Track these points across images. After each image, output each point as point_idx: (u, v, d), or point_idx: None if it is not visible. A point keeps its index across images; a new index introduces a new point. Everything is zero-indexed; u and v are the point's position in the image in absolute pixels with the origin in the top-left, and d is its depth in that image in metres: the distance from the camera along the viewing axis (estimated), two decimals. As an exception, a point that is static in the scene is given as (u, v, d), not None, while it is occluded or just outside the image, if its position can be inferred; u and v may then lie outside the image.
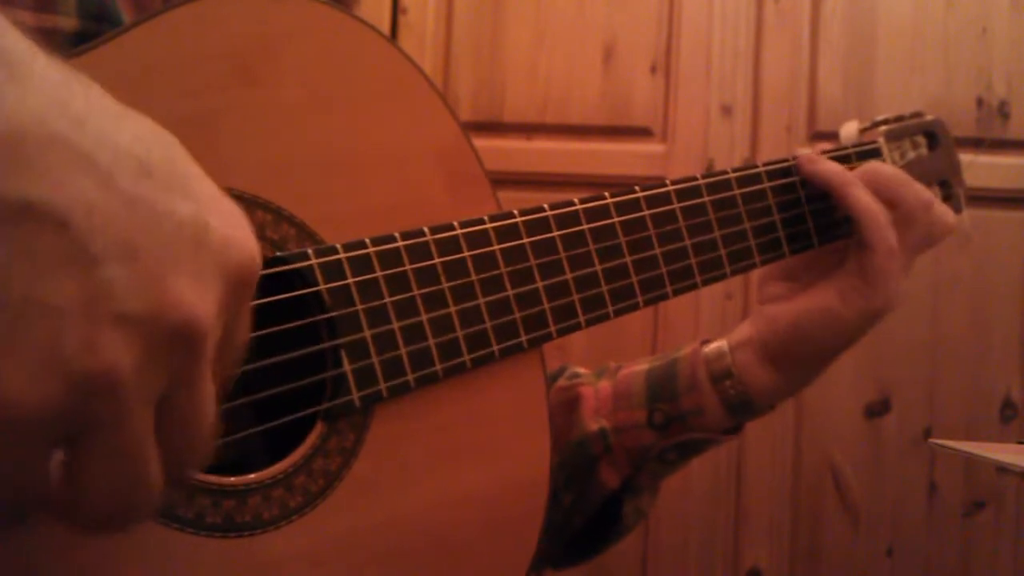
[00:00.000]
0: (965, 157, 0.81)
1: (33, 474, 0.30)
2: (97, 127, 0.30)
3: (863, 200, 0.68)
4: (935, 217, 0.71)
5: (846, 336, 0.70)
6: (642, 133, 1.69)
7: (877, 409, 1.62)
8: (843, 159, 0.73)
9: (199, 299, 0.32)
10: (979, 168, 1.55)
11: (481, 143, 0.58)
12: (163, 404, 0.32)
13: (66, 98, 0.30)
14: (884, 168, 0.71)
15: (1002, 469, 1.46)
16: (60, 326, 0.29)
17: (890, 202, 0.69)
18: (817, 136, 1.64)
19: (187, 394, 0.33)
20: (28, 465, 0.30)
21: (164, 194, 0.31)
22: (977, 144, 1.56)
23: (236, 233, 0.34)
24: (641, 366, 0.77)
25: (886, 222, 0.67)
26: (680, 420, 0.73)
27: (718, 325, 1.60)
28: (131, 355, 0.30)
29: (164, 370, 0.31)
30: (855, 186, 0.68)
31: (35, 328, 0.28)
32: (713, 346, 0.74)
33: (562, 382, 0.79)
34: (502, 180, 0.59)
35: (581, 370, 0.81)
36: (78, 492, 0.32)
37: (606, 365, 0.80)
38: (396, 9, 1.75)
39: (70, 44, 0.50)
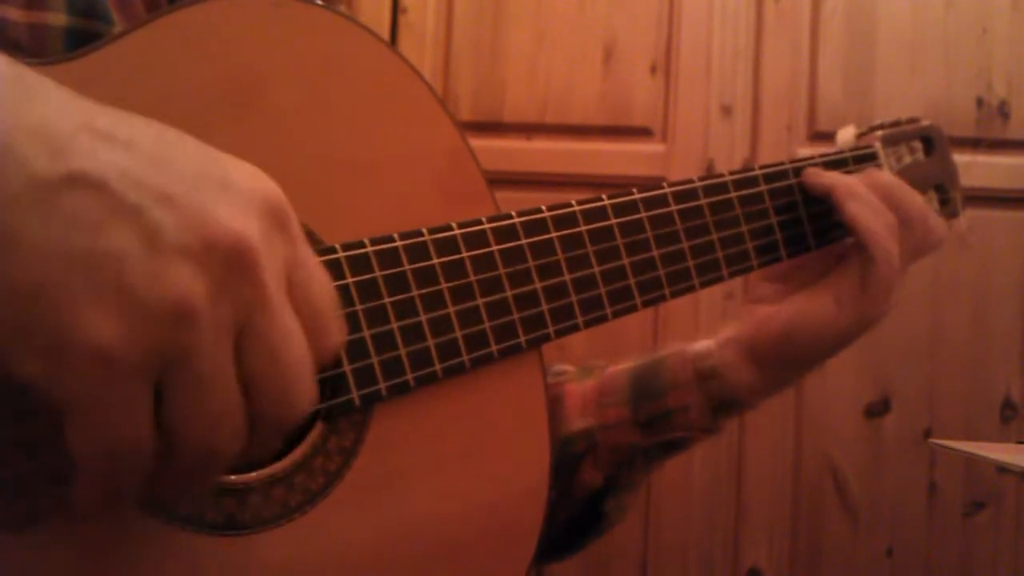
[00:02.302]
0: (963, 158, 0.81)
1: (133, 416, 0.33)
2: (111, 117, 0.35)
3: (861, 213, 0.67)
4: (929, 226, 0.71)
5: (837, 342, 0.69)
6: (642, 133, 1.70)
7: (877, 409, 1.62)
8: (840, 163, 0.73)
9: (239, 222, 0.35)
10: (979, 168, 1.55)
11: (481, 143, 0.59)
12: (242, 337, 0.35)
13: (78, 102, 0.35)
14: (882, 176, 0.71)
15: (1002, 469, 1.46)
16: (127, 269, 0.32)
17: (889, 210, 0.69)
18: (817, 136, 1.64)
19: (262, 322, 0.36)
20: (127, 406, 0.33)
21: (182, 153, 0.36)
22: (975, 144, 1.56)
23: (258, 177, 0.38)
24: (626, 364, 0.77)
25: (887, 233, 0.67)
26: (665, 418, 0.73)
27: (718, 325, 1.60)
28: (197, 283, 0.33)
29: (231, 295, 0.34)
30: (854, 198, 0.68)
31: (106, 275, 0.32)
32: (699, 345, 0.74)
33: (547, 379, 0.79)
34: (502, 180, 0.60)
35: (567, 367, 0.81)
36: (171, 435, 0.34)
37: (592, 363, 0.80)
38: (396, 9, 1.76)
39: (60, 39, 0.51)
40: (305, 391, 0.38)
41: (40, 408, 0.33)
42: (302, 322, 0.37)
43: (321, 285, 0.39)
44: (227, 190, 0.36)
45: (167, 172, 0.34)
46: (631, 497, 0.77)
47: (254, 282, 0.35)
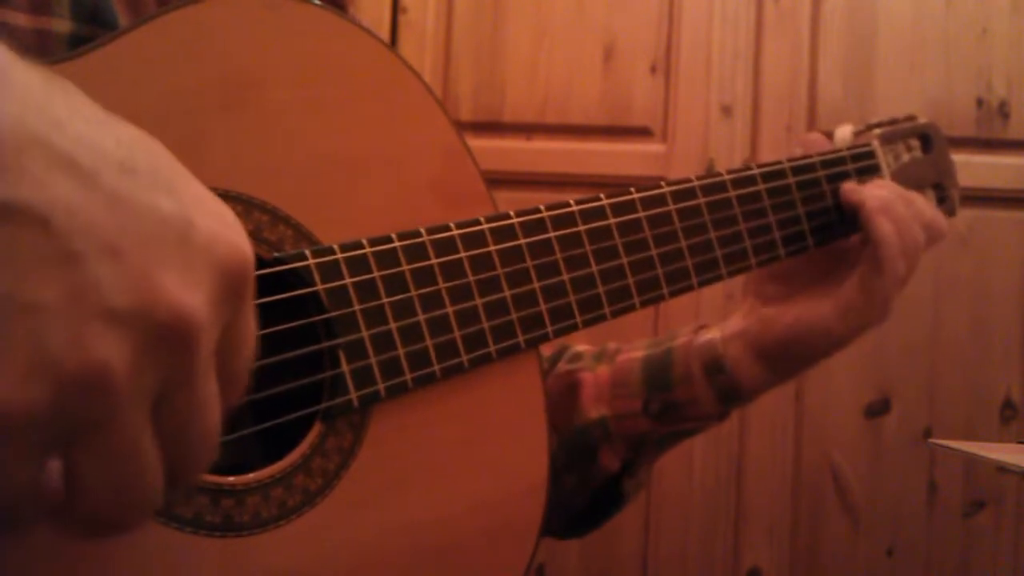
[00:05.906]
0: (961, 157, 0.81)
1: (26, 479, 0.30)
2: (78, 129, 0.30)
3: (886, 228, 0.69)
4: (936, 229, 0.73)
5: (837, 346, 0.73)
6: (642, 133, 1.69)
7: (877, 409, 1.62)
8: (837, 161, 0.73)
9: (189, 294, 0.31)
10: (979, 168, 1.55)
11: (481, 143, 0.59)
12: (161, 404, 0.32)
13: (45, 103, 0.30)
14: (908, 193, 0.73)
15: (1002, 469, 1.46)
16: (46, 325, 0.28)
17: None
18: (817, 136, 1.64)
19: (185, 394, 0.32)
20: (20, 470, 0.29)
21: (147, 192, 0.31)
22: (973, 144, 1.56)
23: (223, 230, 0.33)
24: (638, 352, 0.80)
25: (900, 252, 0.69)
26: (675, 410, 0.76)
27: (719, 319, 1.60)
28: (122, 352, 0.29)
29: (157, 368, 0.31)
30: (881, 213, 0.70)
31: (20, 328, 0.28)
32: (706, 338, 0.77)
33: (562, 366, 0.81)
34: (502, 180, 0.60)
35: (582, 349, 0.83)
36: (75, 496, 0.31)
37: (605, 347, 0.82)
38: (396, 9, 1.76)
39: (64, 46, 0.51)
40: (206, 458, 0.34)
41: None
42: (218, 381, 0.34)
43: (248, 350, 0.36)
44: (185, 247, 0.31)
45: (123, 217, 0.30)
46: (647, 473, 0.81)
47: (185, 357, 0.31)
